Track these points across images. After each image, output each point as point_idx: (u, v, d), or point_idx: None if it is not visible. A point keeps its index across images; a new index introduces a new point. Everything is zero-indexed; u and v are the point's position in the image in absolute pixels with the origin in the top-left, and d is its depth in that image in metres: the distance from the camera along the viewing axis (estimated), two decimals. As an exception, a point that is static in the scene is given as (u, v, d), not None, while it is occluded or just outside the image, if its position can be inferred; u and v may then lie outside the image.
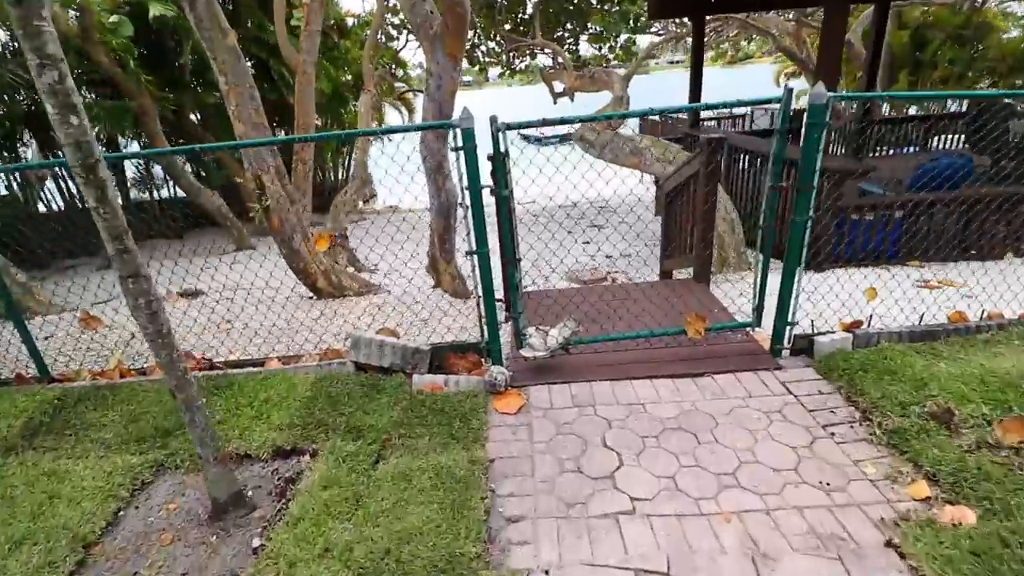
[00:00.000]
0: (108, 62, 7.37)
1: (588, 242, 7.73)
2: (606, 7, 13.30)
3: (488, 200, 2.75)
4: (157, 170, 10.56)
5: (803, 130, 2.54)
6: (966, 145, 8.30)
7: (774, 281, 2.98)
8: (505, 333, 3.42)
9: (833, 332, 3.06)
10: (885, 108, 12.57)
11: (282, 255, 5.03)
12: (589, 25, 14.22)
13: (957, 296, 3.90)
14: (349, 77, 12.91)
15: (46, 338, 4.34)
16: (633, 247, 7.26)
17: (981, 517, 1.86)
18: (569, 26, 14.32)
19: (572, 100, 16.50)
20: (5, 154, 9.22)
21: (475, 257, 2.81)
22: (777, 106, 2.63)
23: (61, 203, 10.35)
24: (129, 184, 10.94)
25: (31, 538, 2.03)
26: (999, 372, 2.54)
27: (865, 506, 2.02)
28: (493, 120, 2.60)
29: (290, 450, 2.42)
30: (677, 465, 2.27)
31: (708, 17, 11.78)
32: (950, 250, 4.83)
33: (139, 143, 10.26)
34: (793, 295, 2.89)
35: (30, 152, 9.75)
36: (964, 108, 9.12)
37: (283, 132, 10.96)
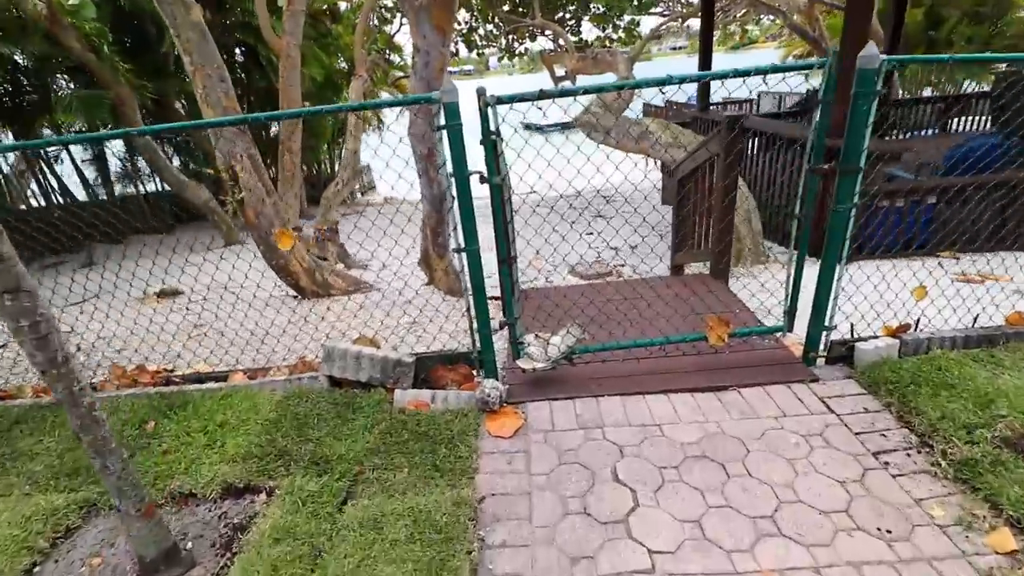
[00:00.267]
0: (80, 47, 6.91)
1: (592, 233, 7.34)
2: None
3: (483, 190, 2.36)
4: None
5: (851, 101, 2.12)
6: (991, 127, 7.84)
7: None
8: (500, 340, 3.04)
9: (876, 337, 2.65)
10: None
11: (260, 251, 4.64)
12: (591, 5, 13.63)
13: (1006, 291, 3.49)
14: (343, 64, 12.42)
15: (2, 346, 3.98)
16: (639, 235, 6.84)
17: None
18: (571, 7, 13.74)
19: (574, 84, 16.00)
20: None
21: (463, 255, 2.42)
22: (818, 75, 2.22)
23: (43, 200, 9.99)
24: (113, 179, 10.55)
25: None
26: (1081, 387, 2.15)
27: (937, 562, 1.64)
28: (481, 92, 2.19)
29: (243, 488, 2.04)
30: (704, 506, 1.89)
31: (716, -5, 11.23)
32: (985, 239, 4.42)
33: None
34: (832, 295, 2.49)
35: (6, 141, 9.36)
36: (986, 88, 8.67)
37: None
